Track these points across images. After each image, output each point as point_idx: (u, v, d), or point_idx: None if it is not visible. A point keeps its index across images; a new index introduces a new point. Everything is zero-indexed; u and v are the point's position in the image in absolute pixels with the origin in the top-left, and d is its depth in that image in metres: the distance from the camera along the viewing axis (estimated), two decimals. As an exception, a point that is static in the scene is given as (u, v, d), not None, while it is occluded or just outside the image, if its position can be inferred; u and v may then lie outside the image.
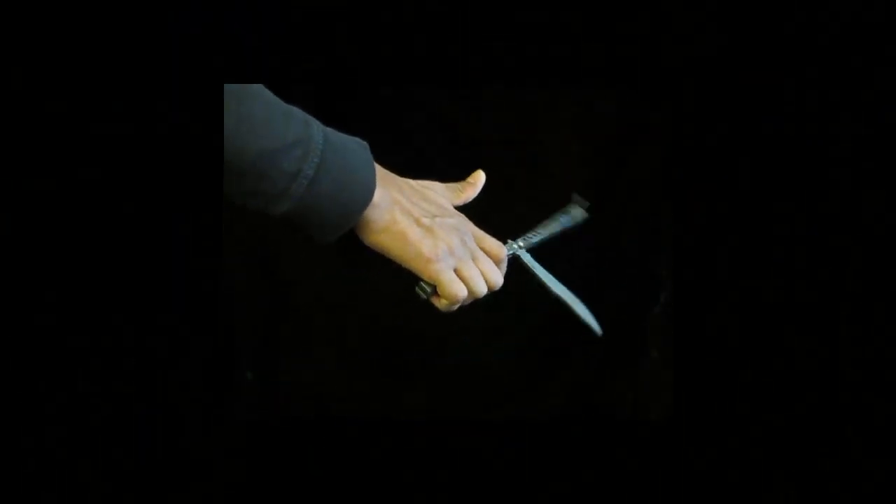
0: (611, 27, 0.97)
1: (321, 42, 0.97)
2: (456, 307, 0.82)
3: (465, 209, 0.89)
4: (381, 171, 0.76)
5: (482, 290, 0.82)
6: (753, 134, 0.75)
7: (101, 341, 0.61)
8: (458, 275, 0.80)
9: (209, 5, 0.66)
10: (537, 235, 0.91)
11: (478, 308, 1.30)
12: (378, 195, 0.73)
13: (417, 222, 0.77)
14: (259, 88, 0.67)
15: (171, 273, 0.63)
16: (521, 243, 0.90)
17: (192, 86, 0.64)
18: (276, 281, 1.26)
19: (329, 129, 0.71)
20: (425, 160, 1.21)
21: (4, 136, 0.60)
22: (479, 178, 0.89)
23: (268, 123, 0.65)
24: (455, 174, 1.21)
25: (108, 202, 0.62)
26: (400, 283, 0.85)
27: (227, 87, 0.63)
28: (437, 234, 0.78)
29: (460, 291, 0.79)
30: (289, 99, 0.71)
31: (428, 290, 0.80)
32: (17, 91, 0.60)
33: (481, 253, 0.83)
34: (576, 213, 0.93)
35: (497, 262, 0.84)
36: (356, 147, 0.73)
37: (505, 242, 0.88)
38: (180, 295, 0.63)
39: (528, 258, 0.90)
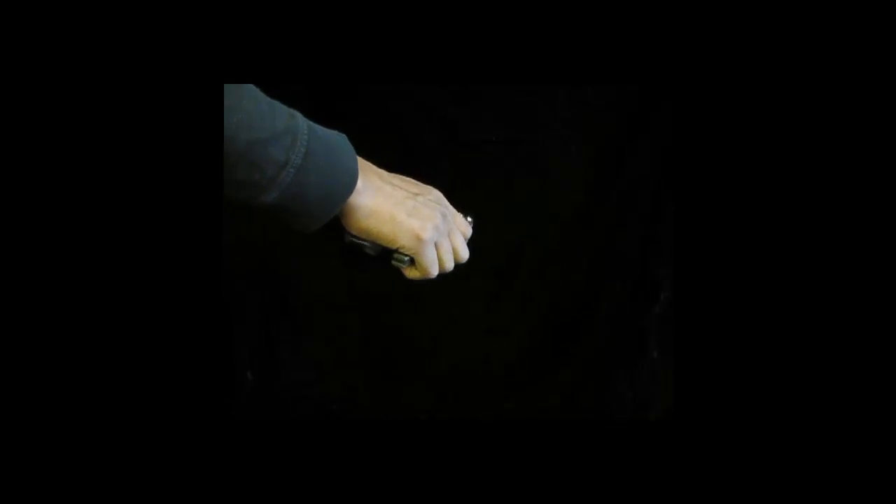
0: (610, 26, 0.97)
1: (319, 41, 0.97)
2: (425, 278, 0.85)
3: (464, 209, 0.90)
4: (360, 160, 0.78)
5: (452, 265, 0.85)
6: (754, 133, 0.74)
7: (99, 341, 0.61)
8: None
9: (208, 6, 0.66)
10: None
11: (478, 308, 1.31)
12: (361, 181, 0.75)
13: (402, 203, 0.79)
14: (240, 84, 0.68)
15: (170, 273, 0.63)
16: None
17: (188, 83, 0.64)
18: (276, 281, 1.26)
19: (310, 121, 0.73)
20: (425, 160, 1.21)
21: None
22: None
23: (256, 114, 0.67)
24: (455, 174, 1.21)
25: (107, 201, 0.62)
26: (400, 283, 0.85)
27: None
28: (423, 213, 0.80)
29: (435, 267, 0.83)
30: (287, 98, 0.72)
31: (405, 259, 0.82)
32: (9, 91, 0.60)
33: (455, 228, 0.86)
34: None
35: (465, 237, 0.88)
36: (337, 137, 0.76)
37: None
38: (180, 295, 0.63)
39: None
